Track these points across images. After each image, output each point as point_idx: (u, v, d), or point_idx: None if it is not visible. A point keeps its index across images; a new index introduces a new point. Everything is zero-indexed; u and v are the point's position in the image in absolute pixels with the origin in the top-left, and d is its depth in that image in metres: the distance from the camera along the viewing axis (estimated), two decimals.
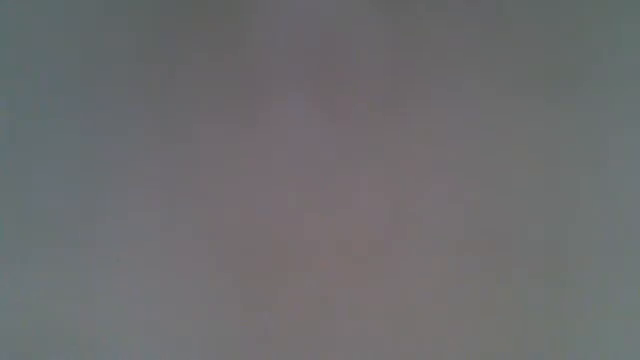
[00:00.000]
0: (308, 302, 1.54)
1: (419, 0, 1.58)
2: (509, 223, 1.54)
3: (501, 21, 1.57)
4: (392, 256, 1.54)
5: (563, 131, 1.55)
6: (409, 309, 1.53)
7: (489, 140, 1.56)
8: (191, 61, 1.57)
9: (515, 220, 1.54)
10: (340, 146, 1.56)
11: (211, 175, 1.56)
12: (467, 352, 1.52)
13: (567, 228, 1.53)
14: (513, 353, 1.52)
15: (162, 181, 1.56)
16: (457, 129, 1.56)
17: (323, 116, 1.57)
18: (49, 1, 1.58)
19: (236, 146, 1.56)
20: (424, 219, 1.54)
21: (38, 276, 1.53)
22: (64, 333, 1.53)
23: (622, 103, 1.55)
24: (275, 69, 1.57)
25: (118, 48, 1.58)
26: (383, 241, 1.54)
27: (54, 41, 1.57)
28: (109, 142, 1.56)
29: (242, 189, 1.56)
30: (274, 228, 1.55)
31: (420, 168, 1.55)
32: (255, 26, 1.58)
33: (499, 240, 1.54)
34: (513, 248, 1.53)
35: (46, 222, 1.54)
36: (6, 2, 1.57)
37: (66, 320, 1.53)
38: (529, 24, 1.57)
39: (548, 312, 1.52)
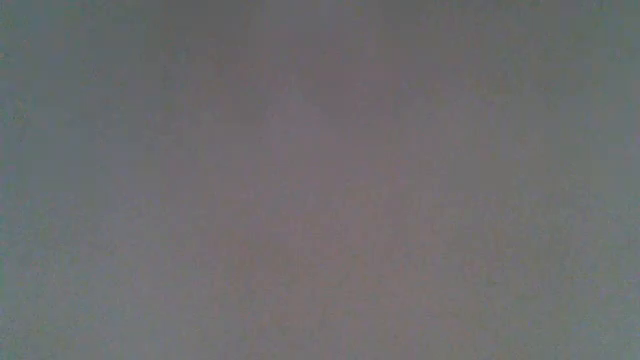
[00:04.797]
0: (307, 301, 1.54)
1: (420, 1, 1.58)
2: (509, 224, 1.54)
3: (502, 23, 1.57)
4: (392, 257, 1.54)
5: (562, 133, 1.55)
6: (409, 309, 1.53)
7: (489, 141, 1.55)
8: (191, 61, 1.57)
9: (515, 221, 1.54)
10: (340, 146, 1.56)
11: (212, 175, 1.56)
12: (467, 353, 1.52)
13: (567, 230, 1.53)
14: (512, 352, 1.52)
15: (163, 181, 1.56)
16: (457, 130, 1.56)
17: (323, 116, 1.57)
18: (50, 2, 1.58)
19: (236, 146, 1.56)
20: (424, 219, 1.54)
21: (38, 276, 1.53)
22: (65, 332, 1.53)
23: (622, 104, 1.55)
24: (276, 69, 1.57)
25: (118, 48, 1.58)
26: (383, 242, 1.54)
27: (54, 42, 1.57)
28: (109, 142, 1.56)
29: (242, 189, 1.56)
30: (274, 228, 1.55)
31: (420, 169, 1.55)
32: (256, 26, 1.58)
33: (499, 241, 1.54)
34: (513, 249, 1.53)
35: (46, 223, 1.54)
36: (7, 3, 1.57)
37: (67, 319, 1.53)
38: (530, 25, 1.57)
39: (547, 314, 1.52)
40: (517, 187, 1.54)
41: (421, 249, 1.54)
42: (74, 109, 1.57)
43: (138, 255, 1.54)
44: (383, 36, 1.58)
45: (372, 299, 1.53)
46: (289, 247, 1.54)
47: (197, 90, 1.57)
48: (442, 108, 1.56)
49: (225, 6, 1.58)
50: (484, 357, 1.52)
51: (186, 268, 1.54)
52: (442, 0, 1.58)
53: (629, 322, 1.51)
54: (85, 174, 1.55)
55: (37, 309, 1.53)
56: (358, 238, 1.54)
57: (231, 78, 1.57)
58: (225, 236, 1.55)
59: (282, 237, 1.54)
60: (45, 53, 1.57)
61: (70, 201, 1.55)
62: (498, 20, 1.57)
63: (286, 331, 1.53)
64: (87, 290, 1.54)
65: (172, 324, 1.53)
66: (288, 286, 1.54)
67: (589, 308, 1.52)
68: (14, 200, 1.55)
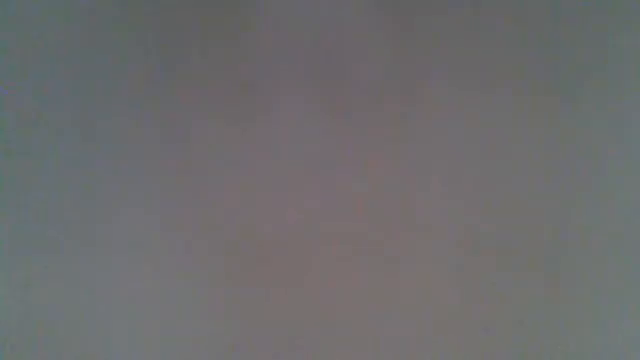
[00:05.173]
0: (307, 302, 1.54)
1: (420, 1, 1.58)
2: (509, 223, 1.54)
3: (502, 22, 1.57)
4: (392, 256, 1.54)
5: (563, 131, 1.55)
6: (409, 308, 1.53)
7: (490, 139, 1.56)
8: (191, 61, 1.57)
9: (515, 220, 1.54)
10: (340, 145, 1.56)
11: (211, 175, 1.56)
12: (467, 352, 1.52)
13: (567, 228, 1.53)
14: (512, 352, 1.52)
15: (162, 181, 1.56)
16: (457, 128, 1.56)
17: (323, 115, 1.57)
18: (49, 3, 1.58)
19: (236, 145, 1.57)
20: (424, 218, 1.54)
21: (39, 276, 1.53)
22: (63, 332, 1.53)
23: (622, 104, 1.55)
24: (275, 68, 1.57)
25: (118, 48, 1.58)
26: (383, 240, 1.54)
27: (54, 42, 1.57)
28: (109, 142, 1.56)
29: (242, 188, 1.56)
30: (273, 227, 1.55)
31: (420, 167, 1.55)
32: (255, 25, 1.58)
33: (499, 240, 1.54)
34: (513, 248, 1.53)
35: (47, 223, 1.54)
36: (7, 5, 1.57)
37: (65, 319, 1.53)
38: (530, 25, 1.57)
39: (547, 312, 1.52)
40: (519, 187, 1.55)
41: (423, 250, 1.54)
42: (73, 109, 1.57)
43: (137, 255, 1.54)
44: (384, 34, 1.58)
45: (373, 300, 1.53)
46: (289, 247, 1.54)
47: (195, 89, 1.57)
48: (444, 108, 1.56)
49: (225, 5, 1.58)
50: (483, 356, 1.52)
51: (185, 268, 1.54)
52: (442, 0, 1.58)
53: (630, 322, 1.51)
54: (84, 174, 1.55)
55: (36, 308, 1.53)
56: (360, 239, 1.54)
57: (232, 77, 1.57)
58: (225, 236, 1.55)
59: (282, 237, 1.54)
60: (44, 52, 1.57)
61: (69, 202, 1.55)
62: (499, 20, 1.57)
63: (286, 332, 1.53)
64: (86, 290, 1.54)
65: (171, 324, 1.53)
66: (288, 286, 1.54)
67: (590, 308, 1.52)
68: (13, 199, 1.54)
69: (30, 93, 1.56)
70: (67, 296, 1.53)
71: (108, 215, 1.55)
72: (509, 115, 1.56)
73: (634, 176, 1.54)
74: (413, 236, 1.54)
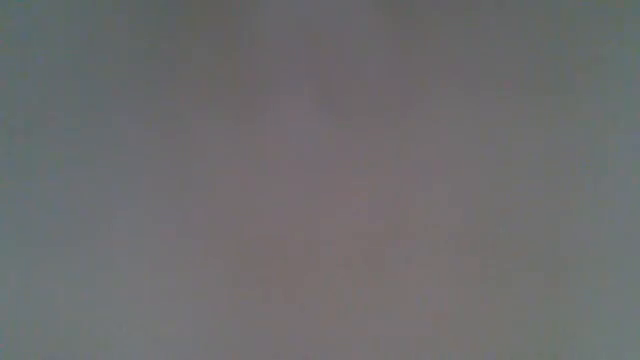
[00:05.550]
0: (307, 301, 1.54)
1: (420, 1, 1.58)
2: (509, 223, 1.54)
3: (501, 22, 1.57)
4: (392, 256, 1.54)
5: (562, 131, 1.56)
6: (408, 309, 1.53)
7: (489, 140, 1.56)
8: (191, 60, 1.57)
9: (515, 221, 1.54)
10: (340, 146, 1.56)
11: (211, 175, 1.56)
12: (466, 353, 1.52)
13: (567, 228, 1.53)
14: (512, 353, 1.52)
15: (162, 181, 1.56)
16: (457, 129, 1.56)
17: (323, 115, 1.57)
18: (49, 2, 1.58)
19: (236, 146, 1.56)
20: (424, 219, 1.54)
21: (39, 276, 1.53)
22: (64, 331, 1.53)
23: (622, 103, 1.55)
24: (275, 69, 1.57)
25: (118, 47, 1.58)
26: (383, 241, 1.54)
27: (53, 39, 1.57)
28: (109, 141, 1.56)
29: (242, 188, 1.56)
30: (274, 227, 1.55)
31: (420, 168, 1.55)
32: (255, 26, 1.58)
33: (499, 241, 1.54)
34: (513, 249, 1.54)
35: (47, 221, 1.54)
36: (7, 5, 1.57)
37: (66, 319, 1.53)
38: (530, 25, 1.57)
39: (547, 313, 1.52)
40: (519, 187, 1.55)
41: (423, 250, 1.54)
42: (73, 109, 1.57)
43: (137, 255, 1.54)
44: (384, 35, 1.58)
45: (373, 300, 1.53)
46: (289, 247, 1.54)
47: (196, 89, 1.57)
48: (444, 108, 1.56)
49: (225, 6, 1.58)
50: (483, 356, 1.52)
51: (185, 268, 1.54)
52: (442, 0, 1.58)
53: (630, 322, 1.51)
54: (84, 173, 1.55)
55: (36, 308, 1.53)
56: (360, 239, 1.54)
57: (232, 77, 1.57)
58: (225, 236, 1.55)
59: (282, 237, 1.54)
60: (44, 52, 1.57)
61: (69, 202, 1.55)
62: (499, 20, 1.57)
63: (286, 332, 1.53)
64: (86, 290, 1.53)
65: (171, 324, 1.53)
66: (288, 286, 1.54)
67: (590, 308, 1.52)
68: (13, 199, 1.54)
69: (30, 93, 1.56)
70: (67, 296, 1.53)
71: (108, 215, 1.55)
72: (509, 115, 1.56)
73: (634, 176, 1.54)
74: (413, 236, 1.54)
